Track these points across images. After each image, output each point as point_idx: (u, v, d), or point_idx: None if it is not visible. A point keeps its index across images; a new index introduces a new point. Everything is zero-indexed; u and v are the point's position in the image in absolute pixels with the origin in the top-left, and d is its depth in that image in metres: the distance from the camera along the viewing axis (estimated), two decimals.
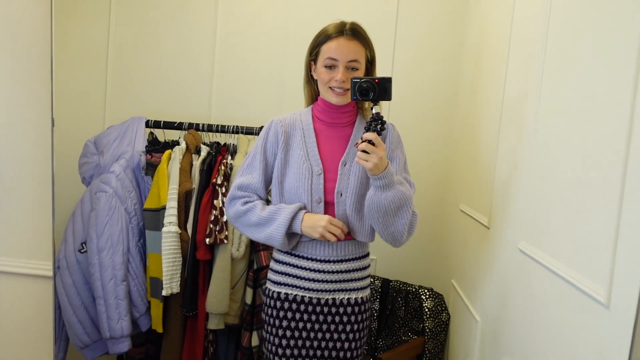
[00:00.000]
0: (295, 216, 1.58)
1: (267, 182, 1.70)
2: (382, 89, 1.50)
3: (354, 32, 1.60)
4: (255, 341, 2.32)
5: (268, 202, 1.72)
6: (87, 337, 2.24)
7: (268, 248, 2.31)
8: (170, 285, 2.17)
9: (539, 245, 1.37)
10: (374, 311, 2.54)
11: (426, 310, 2.39)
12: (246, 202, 1.66)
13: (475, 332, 1.91)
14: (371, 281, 2.54)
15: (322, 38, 1.62)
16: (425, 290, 2.44)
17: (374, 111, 1.50)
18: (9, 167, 1.15)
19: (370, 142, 1.44)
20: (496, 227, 1.78)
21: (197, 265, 2.25)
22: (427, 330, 2.36)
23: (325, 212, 1.61)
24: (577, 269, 1.13)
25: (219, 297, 2.18)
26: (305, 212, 1.60)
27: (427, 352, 2.34)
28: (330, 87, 1.61)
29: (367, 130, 1.48)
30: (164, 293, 2.16)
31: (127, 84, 2.72)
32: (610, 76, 1.06)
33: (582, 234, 1.12)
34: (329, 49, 1.59)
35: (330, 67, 1.60)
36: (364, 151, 1.45)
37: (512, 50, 1.76)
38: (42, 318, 1.23)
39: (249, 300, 2.31)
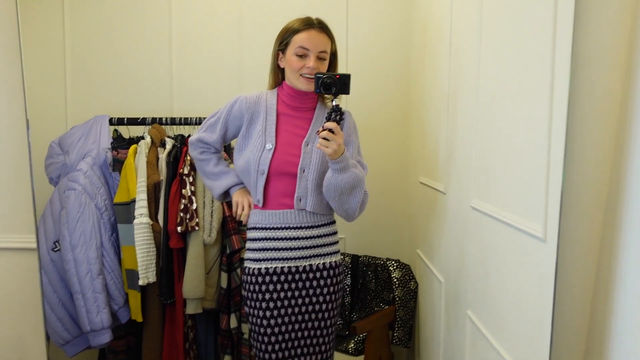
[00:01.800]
0: (231, 187, 1.91)
1: (223, 141, 1.93)
2: (342, 84, 1.69)
3: (322, 26, 1.80)
4: (233, 323, 2.39)
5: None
6: (67, 334, 2.28)
7: (239, 232, 2.39)
8: (147, 274, 2.23)
9: (487, 200, 1.49)
10: (346, 286, 2.64)
11: (395, 280, 2.50)
12: (203, 152, 1.94)
13: (440, 293, 2.03)
14: (342, 257, 2.65)
15: (292, 30, 1.79)
16: (393, 262, 2.56)
17: (334, 103, 1.68)
18: None
19: (330, 130, 1.62)
20: (451, 191, 1.91)
21: (170, 254, 2.31)
22: (397, 299, 2.47)
23: (266, 185, 1.80)
24: (518, 214, 1.25)
25: (195, 283, 2.25)
26: (239, 189, 1.90)
27: (398, 319, 2.46)
28: (301, 75, 1.77)
29: (328, 119, 1.65)
30: (140, 283, 2.21)
31: (87, 84, 2.74)
32: (535, 55, 1.18)
33: (520, 184, 1.24)
34: (300, 39, 1.76)
35: (301, 56, 1.77)
36: (324, 138, 1.62)
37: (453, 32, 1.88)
38: (30, 291, 1.29)
39: (224, 284, 2.38)
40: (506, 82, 1.36)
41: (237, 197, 1.89)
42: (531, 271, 1.18)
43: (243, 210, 1.87)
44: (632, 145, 0.96)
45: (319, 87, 1.69)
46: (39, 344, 1.28)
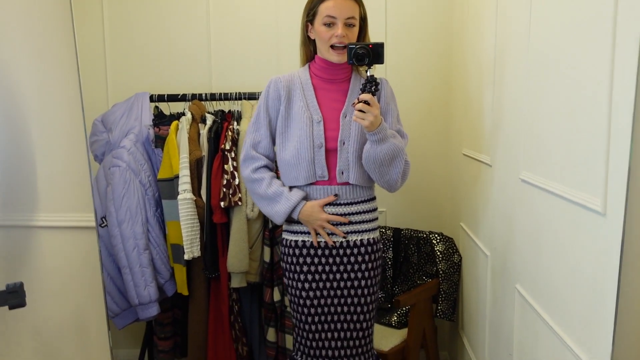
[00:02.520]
0: (295, 208, 1.77)
1: (273, 137, 1.85)
2: (375, 54, 1.65)
3: None
4: (277, 296, 2.42)
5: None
6: (116, 307, 2.36)
7: None
8: (191, 249, 2.26)
9: (539, 172, 1.43)
10: (387, 260, 2.63)
11: (438, 253, 2.47)
12: (256, 170, 1.81)
13: (485, 267, 2.00)
14: (382, 231, 2.63)
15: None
16: (436, 235, 2.53)
17: (368, 74, 1.65)
18: (43, 130, 1.24)
19: (366, 102, 1.60)
20: (498, 163, 1.85)
21: (214, 229, 2.34)
22: (441, 272, 2.45)
23: (326, 159, 1.76)
24: (574, 186, 1.20)
25: (239, 257, 2.28)
26: (305, 204, 1.77)
27: (442, 292, 2.44)
28: (331, 46, 1.74)
29: (363, 91, 1.63)
30: (186, 257, 2.25)
31: (126, 61, 2.76)
32: (592, 11, 1.11)
33: (576, 154, 1.19)
34: (327, 8, 1.72)
35: (329, 25, 1.72)
36: (360, 110, 1.60)
37: None
38: (90, 268, 1.32)
39: (267, 258, 2.40)
40: (561, 42, 1.28)
41: (309, 224, 1.78)
42: (588, 247, 1.13)
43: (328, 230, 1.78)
44: None
45: (351, 58, 1.67)
46: (99, 318, 1.32)
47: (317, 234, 1.80)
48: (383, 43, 1.67)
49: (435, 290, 2.43)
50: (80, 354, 1.25)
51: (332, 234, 1.79)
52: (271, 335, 2.48)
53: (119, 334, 2.75)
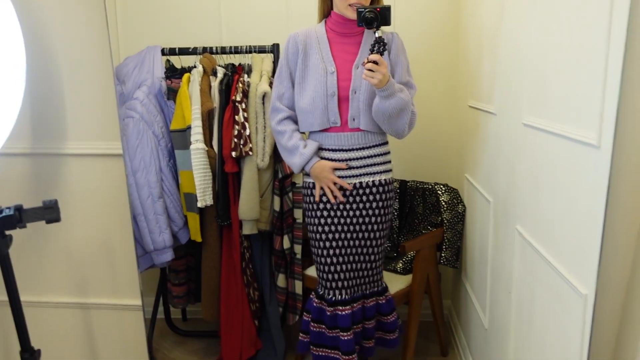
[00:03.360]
0: (307, 162, 1.98)
1: (293, 87, 2.02)
2: (383, 17, 1.78)
3: None
4: (286, 244, 2.51)
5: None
6: None
7: None
8: (204, 197, 2.34)
9: (540, 114, 1.49)
10: (394, 210, 2.71)
11: (443, 203, 2.54)
12: (280, 121, 2.04)
13: (488, 212, 2.07)
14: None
15: None
16: (441, 186, 2.59)
17: (376, 35, 1.76)
18: (71, 63, 1.31)
19: (374, 62, 1.73)
20: (503, 111, 1.90)
21: (226, 178, 2.41)
22: (445, 221, 2.53)
23: (339, 106, 1.91)
24: (573, 124, 1.26)
25: (250, 205, 2.36)
26: (317, 162, 1.97)
27: (446, 240, 2.52)
28: (349, 4, 1.87)
29: (371, 52, 1.75)
30: (199, 205, 2.34)
31: (137, 15, 2.80)
32: None
33: (576, 92, 1.24)
34: None
35: None
36: (370, 70, 1.73)
37: None
38: (115, 194, 1.41)
39: (277, 207, 2.48)
40: None
41: (318, 180, 1.99)
42: (584, 179, 1.20)
43: (333, 190, 1.98)
44: None
45: (361, 21, 1.80)
46: (126, 241, 1.41)
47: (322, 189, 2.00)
48: (390, 6, 1.79)
49: (439, 239, 2.51)
50: (109, 274, 1.34)
51: (346, 177, 1.98)
52: (281, 281, 2.58)
53: None
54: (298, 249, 2.54)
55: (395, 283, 2.38)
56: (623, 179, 1.09)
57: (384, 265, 2.18)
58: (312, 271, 2.49)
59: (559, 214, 1.35)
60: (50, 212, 1.08)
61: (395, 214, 2.72)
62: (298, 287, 2.58)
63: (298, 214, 2.51)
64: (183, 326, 3.08)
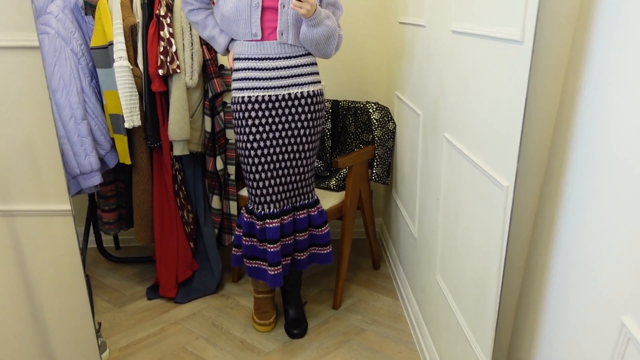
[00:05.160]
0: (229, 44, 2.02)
1: None
2: None
3: None
4: (219, 165, 2.49)
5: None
6: None
7: (221, 75, 2.40)
8: (131, 117, 2.26)
9: (468, 19, 1.51)
10: (326, 130, 2.73)
11: (374, 121, 2.58)
12: (191, 10, 2.03)
13: (417, 125, 2.13)
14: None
15: None
16: (372, 105, 2.62)
17: None
18: None
19: None
20: (432, 21, 1.92)
21: (153, 98, 2.33)
22: (376, 138, 2.58)
23: (261, 18, 1.89)
24: (497, 25, 1.29)
25: (180, 125, 2.30)
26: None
27: (377, 157, 2.58)
28: None
29: None
30: (126, 125, 2.25)
31: None
32: None
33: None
34: None
35: None
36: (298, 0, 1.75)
37: None
38: (36, 90, 1.32)
39: (208, 128, 2.44)
40: None
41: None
42: (508, 77, 1.24)
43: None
44: None
45: None
46: (49, 144, 1.34)
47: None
48: None
49: (371, 155, 2.57)
50: (33, 178, 1.28)
51: (274, 87, 1.95)
52: (215, 202, 2.58)
53: None
54: (232, 169, 2.53)
55: (329, 199, 2.43)
56: (543, 73, 1.15)
57: (317, 183, 2.22)
58: (246, 192, 2.50)
59: (484, 115, 1.41)
60: None
61: (328, 133, 2.74)
62: (233, 207, 2.58)
63: (230, 134, 2.48)
64: (116, 254, 3.03)
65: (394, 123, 2.61)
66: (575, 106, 1.09)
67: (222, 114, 2.44)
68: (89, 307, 1.62)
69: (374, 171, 2.60)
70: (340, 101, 2.73)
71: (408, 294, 2.41)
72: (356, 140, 2.69)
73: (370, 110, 2.61)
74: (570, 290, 1.11)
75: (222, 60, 2.52)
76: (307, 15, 1.79)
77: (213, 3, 2.05)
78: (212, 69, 2.37)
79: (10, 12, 1.23)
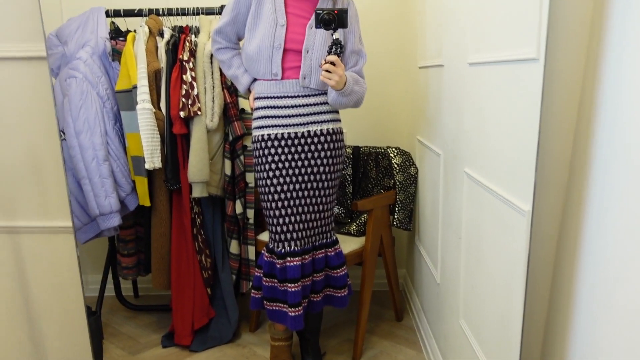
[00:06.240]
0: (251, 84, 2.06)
1: (235, 26, 2.03)
2: (340, 19, 1.80)
3: None
4: (239, 209, 2.47)
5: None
6: (77, 221, 2.36)
7: (241, 119, 2.42)
8: (152, 159, 2.27)
9: (482, 49, 1.50)
10: (347, 176, 2.70)
11: (395, 166, 2.55)
12: (219, 49, 2.10)
13: (438, 165, 2.08)
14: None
15: None
16: (394, 149, 2.60)
17: (334, 37, 1.80)
18: None
19: (332, 63, 1.78)
20: (449, 60, 1.92)
21: (174, 140, 2.35)
22: (398, 183, 2.53)
23: (283, 58, 1.93)
24: (511, 49, 1.27)
25: (199, 166, 2.30)
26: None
27: (398, 202, 2.52)
28: None
29: (329, 53, 1.79)
30: (147, 167, 2.26)
31: None
32: None
33: (515, 16, 1.25)
34: None
35: None
36: (327, 71, 1.79)
37: None
38: (43, 101, 1.33)
39: (228, 171, 2.44)
40: None
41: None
42: (522, 94, 1.21)
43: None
44: None
45: (319, 23, 1.80)
46: (53, 158, 1.34)
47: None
48: (347, 9, 1.80)
49: (392, 200, 2.52)
50: (37, 194, 1.27)
51: (293, 125, 1.97)
52: (234, 247, 2.53)
53: (82, 260, 2.77)
54: (250, 213, 2.50)
55: (349, 244, 2.37)
56: (558, 88, 1.11)
57: (337, 229, 2.17)
58: (265, 236, 2.46)
59: (501, 141, 1.36)
60: None
61: (349, 179, 2.71)
62: (251, 252, 2.54)
63: (250, 178, 2.47)
64: (134, 302, 2.99)
65: (416, 168, 2.57)
66: (594, 121, 1.04)
67: (242, 157, 2.44)
68: (88, 332, 1.56)
69: (396, 216, 2.54)
70: (361, 147, 2.72)
71: (432, 344, 2.29)
72: (377, 185, 2.65)
73: (391, 154, 2.58)
74: (597, 322, 1.02)
75: (243, 103, 2.55)
76: (336, 87, 1.84)
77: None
78: (233, 112, 2.39)
79: (19, 23, 1.26)
